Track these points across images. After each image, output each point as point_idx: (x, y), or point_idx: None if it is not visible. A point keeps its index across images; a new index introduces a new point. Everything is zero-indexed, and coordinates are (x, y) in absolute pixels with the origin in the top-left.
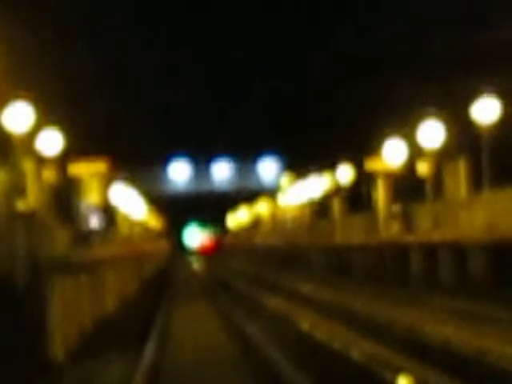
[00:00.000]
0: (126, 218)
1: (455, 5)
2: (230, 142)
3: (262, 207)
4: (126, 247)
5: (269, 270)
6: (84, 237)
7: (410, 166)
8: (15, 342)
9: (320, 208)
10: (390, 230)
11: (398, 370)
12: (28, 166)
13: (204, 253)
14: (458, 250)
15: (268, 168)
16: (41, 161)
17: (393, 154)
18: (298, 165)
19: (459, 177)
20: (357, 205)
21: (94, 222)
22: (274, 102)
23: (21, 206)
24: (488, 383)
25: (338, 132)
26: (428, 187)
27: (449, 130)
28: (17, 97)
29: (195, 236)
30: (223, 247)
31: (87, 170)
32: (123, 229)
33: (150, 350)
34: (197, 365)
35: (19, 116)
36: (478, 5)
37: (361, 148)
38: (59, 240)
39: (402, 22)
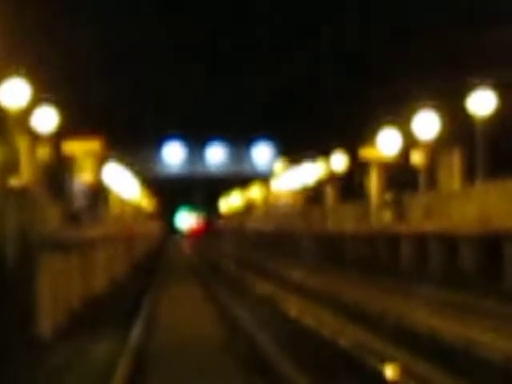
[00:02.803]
0: (119, 198)
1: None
2: (224, 126)
3: (255, 192)
4: (117, 227)
5: (259, 254)
6: (75, 215)
7: (404, 155)
8: (3, 318)
9: (313, 195)
10: (381, 218)
11: (383, 358)
12: (22, 143)
13: (193, 236)
14: (450, 241)
15: (262, 153)
16: (35, 138)
17: (387, 143)
18: (292, 151)
19: (453, 168)
20: (350, 193)
21: (86, 200)
22: (270, 88)
23: (13, 182)
24: (474, 373)
25: (333, 120)
26: (421, 177)
27: (444, 121)
28: (13, 73)
29: (187, 219)
30: (214, 231)
31: (81, 149)
32: (115, 209)
33: (137, 330)
34: (183, 345)
35: (15, 92)
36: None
37: (355, 136)
38: (50, 218)
39: (398, 17)
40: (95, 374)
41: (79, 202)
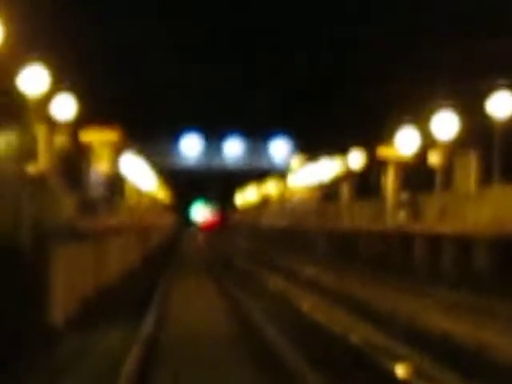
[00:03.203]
0: (135, 189)
1: (470, 2)
2: (242, 120)
3: (271, 187)
4: (132, 218)
5: (273, 249)
6: (91, 205)
7: (422, 155)
8: (16, 306)
9: (329, 192)
10: (396, 217)
11: (394, 357)
12: (40, 131)
13: (207, 229)
14: (464, 243)
15: (279, 148)
16: (53, 126)
17: (405, 142)
18: (310, 147)
19: (469, 170)
20: (365, 191)
21: (102, 190)
22: (289, 84)
23: (30, 170)
24: (485, 376)
25: (351, 117)
26: (438, 178)
27: (462, 122)
28: (32, 60)
29: (202, 212)
30: (229, 225)
31: (98, 138)
32: (131, 200)
33: (149, 321)
34: (194, 337)
35: (34, 80)
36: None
37: (373, 135)
38: (66, 206)
39: (417, 17)
40: (107, 363)
41: (95, 191)
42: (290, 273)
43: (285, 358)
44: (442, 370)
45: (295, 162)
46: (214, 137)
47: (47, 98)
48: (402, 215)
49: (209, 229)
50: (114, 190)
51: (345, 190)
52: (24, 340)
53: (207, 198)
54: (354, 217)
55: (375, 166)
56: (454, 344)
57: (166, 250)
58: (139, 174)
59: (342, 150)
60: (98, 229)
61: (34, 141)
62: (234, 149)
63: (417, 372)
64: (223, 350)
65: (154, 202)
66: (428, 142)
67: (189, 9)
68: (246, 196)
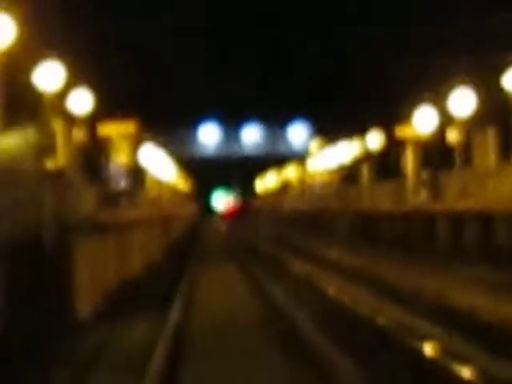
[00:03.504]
0: (155, 180)
1: None
2: (260, 107)
3: (291, 172)
4: (153, 209)
5: (295, 234)
6: (112, 198)
7: (440, 133)
8: (41, 301)
9: (349, 174)
10: (417, 197)
11: (421, 336)
12: (58, 126)
13: (229, 216)
14: (485, 219)
15: (298, 133)
16: (71, 120)
17: (423, 121)
18: (328, 130)
19: (488, 146)
20: (385, 171)
21: (122, 182)
22: (305, 68)
23: (49, 165)
24: (511, 351)
25: (368, 98)
26: (457, 155)
27: (480, 98)
28: (48, 56)
29: (222, 199)
30: (250, 211)
31: (116, 131)
32: (152, 191)
33: (175, 312)
34: (221, 327)
35: (50, 75)
36: None
37: (391, 115)
38: (87, 200)
39: None
40: (136, 354)
41: (116, 184)
42: (314, 256)
43: (313, 343)
44: (469, 346)
45: (314, 145)
46: (231, 124)
47: (64, 93)
48: (423, 195)
49: (230, 216)
50: (134, 182)
51: (365, 172)
52: (51, 334)
53: (228, 185)
54: (375, 198)
55: (394, 147)
56: (479, 320)
57: (188, 239)
58: (159, 164)
59: (360, 131)
60: (120, 221)
61: (52, 136)
62: (252, 136)
63: (444, 350)
64: (251, 336)
65: (174, 191)
66: (446, 119)
67: None
68: (266, 182)
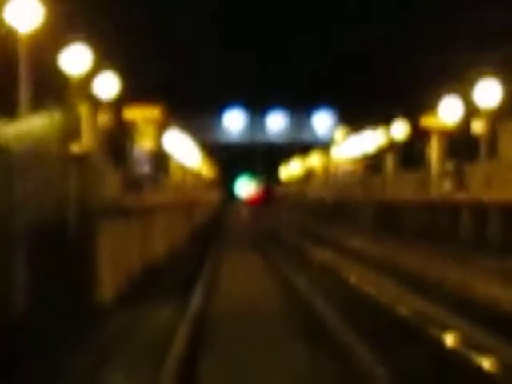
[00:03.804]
0: (179, 166)
1: None
2: (285, 94)
3: (315, 160)
4: (177, 195)
5: (319, 222)
6: (136, 182)
7: (466, 124)
8: (64, 286)
9: (373, 163)
10: (442, 187)
11: (443, 327)
12: (83, 110)
13: (252, 203)
14: (510, 210)
15: (322, 121)
16: (96, 104)
17: (449, 111)
18: (353, 119)
19: None
20: (410, 161)
21: (147, 167)
22: (331, 56)
23: (74, 149)
24: None
25: (394, 87)
26: (482, 146)
27: (505, 89)
28: (75, 40)
29: (246, 186)
30: (273, 199)
31: (142, 115)
32: (175, 176)
33: (197, 298)
34: (244, 311)
35: (76, 59)
36: None
37: (416, 104)
38: (111, 184)
39: None
40: (158, 337)
41: (140, 168)
42: (337, 244)
43: (336, 332)
44: (491, 337)
45: (338, 134)
46: (257, 111)
47: (90, 77)
48: (447, 185)
49: (254, 203)
50: (158, 167)
51: (389, 161)
52: (74, 318)
53: (251, 172)
54: (399, 187)
55: (419, 136)
56: (501, 311)
57: (211, 225)
58: (183, 150)
59: (385, 120)
60: (144, 206)
61: (78, 120)
62: (277, 123)
63: (466, 340)
64: (274, 325)
65: (198, 177)
66: (471, 110)
67: None
68: (290, 169)
